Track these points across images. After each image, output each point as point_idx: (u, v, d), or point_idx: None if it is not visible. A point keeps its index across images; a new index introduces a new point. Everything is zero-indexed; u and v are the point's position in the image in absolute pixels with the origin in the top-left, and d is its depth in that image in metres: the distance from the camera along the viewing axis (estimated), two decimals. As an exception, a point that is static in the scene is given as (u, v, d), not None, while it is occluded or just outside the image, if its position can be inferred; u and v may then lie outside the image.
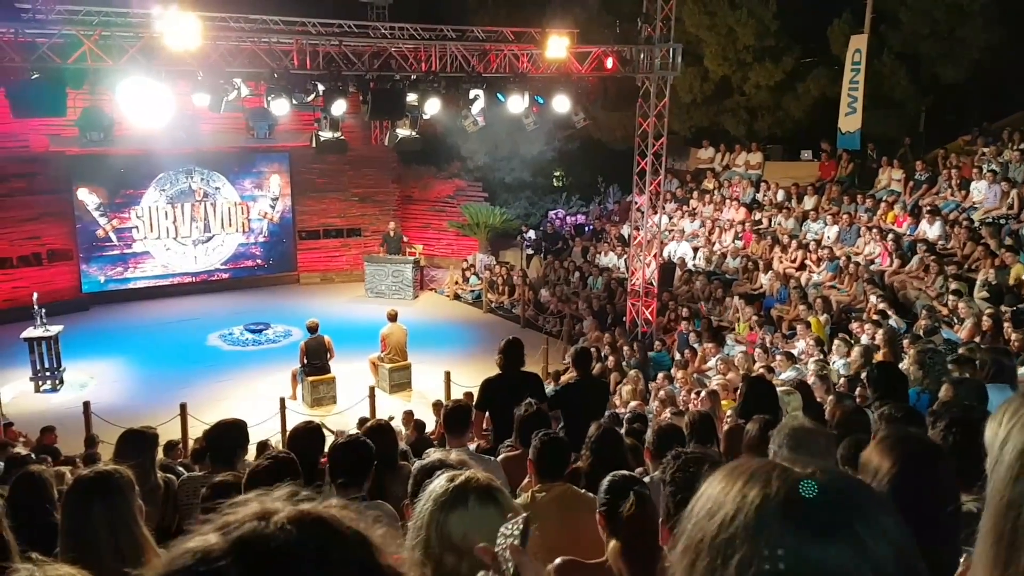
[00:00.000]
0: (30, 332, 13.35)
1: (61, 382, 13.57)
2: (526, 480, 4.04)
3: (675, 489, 2.03)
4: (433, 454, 2.73)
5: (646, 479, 3.63)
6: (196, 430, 10.03)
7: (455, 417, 5.36)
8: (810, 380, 8.10)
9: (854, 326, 11.29)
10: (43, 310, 13.50)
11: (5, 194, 16.22)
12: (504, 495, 1.89)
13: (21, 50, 10.06)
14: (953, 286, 11.58)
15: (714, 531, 0.93)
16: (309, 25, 12.59)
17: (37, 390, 13.39)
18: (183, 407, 11.04)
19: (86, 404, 11.20)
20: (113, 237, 18.35)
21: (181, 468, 6.33)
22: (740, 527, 0.91)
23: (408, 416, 10.58)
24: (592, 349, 11.63)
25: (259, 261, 20.18)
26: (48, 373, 13.49)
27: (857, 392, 6.56)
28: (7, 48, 9.91)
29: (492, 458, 5.18)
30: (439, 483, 1.85)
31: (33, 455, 8.33)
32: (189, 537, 0.88)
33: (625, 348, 13.50)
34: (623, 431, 6.00)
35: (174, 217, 18.99)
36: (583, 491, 3.73)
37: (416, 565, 1.74)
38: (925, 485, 2.04)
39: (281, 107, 12.10)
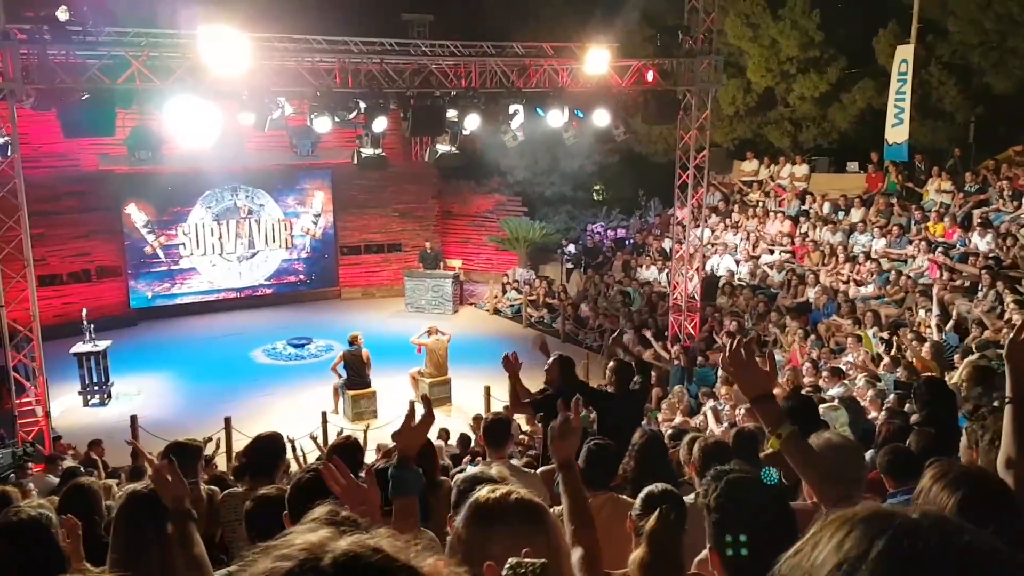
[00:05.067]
0: (79, 347, 13.63)
1: (109, 396, 13.81)
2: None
3: (720, 517, 1.92)
4: (473, 467, 2.70)
5: (689, 497, 3.55)
6: (240, 443, 10.11)
7: (495, 430, 5.32)
8: (865, 396, 7.92)
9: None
10: (92, 325, 13.78)
11: (57, 212, 16.57)
12: (549, 514, 1.81)
13: (72, 72, 10.28)
14: (1013, 297, 11.25)
15: None
16: (351, 44, 12.69)
17: (86, 404, 13.66)
18: (227, 421, 11.15)
19: (133, 418, 11.38)
20: (160, 254, 18.69)
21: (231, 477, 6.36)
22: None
23: (444, 434, 10.58)
24: (632, 364, 11.48)
25: (302, 277, 20.40)
26: (96, 387, 13.74)
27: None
28: (59, 70, 10.15)
29: (533, 471, 5.13)
30: (481, 496, 1.78)
31: (82, 467, 8.50)
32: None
33: (676, 359, 13.39)
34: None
35: (220, 234, 19.29)
36: (629, 499, 3.65)
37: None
38: (989, 525, 1.89)
39: (324, 125, 12.22)
